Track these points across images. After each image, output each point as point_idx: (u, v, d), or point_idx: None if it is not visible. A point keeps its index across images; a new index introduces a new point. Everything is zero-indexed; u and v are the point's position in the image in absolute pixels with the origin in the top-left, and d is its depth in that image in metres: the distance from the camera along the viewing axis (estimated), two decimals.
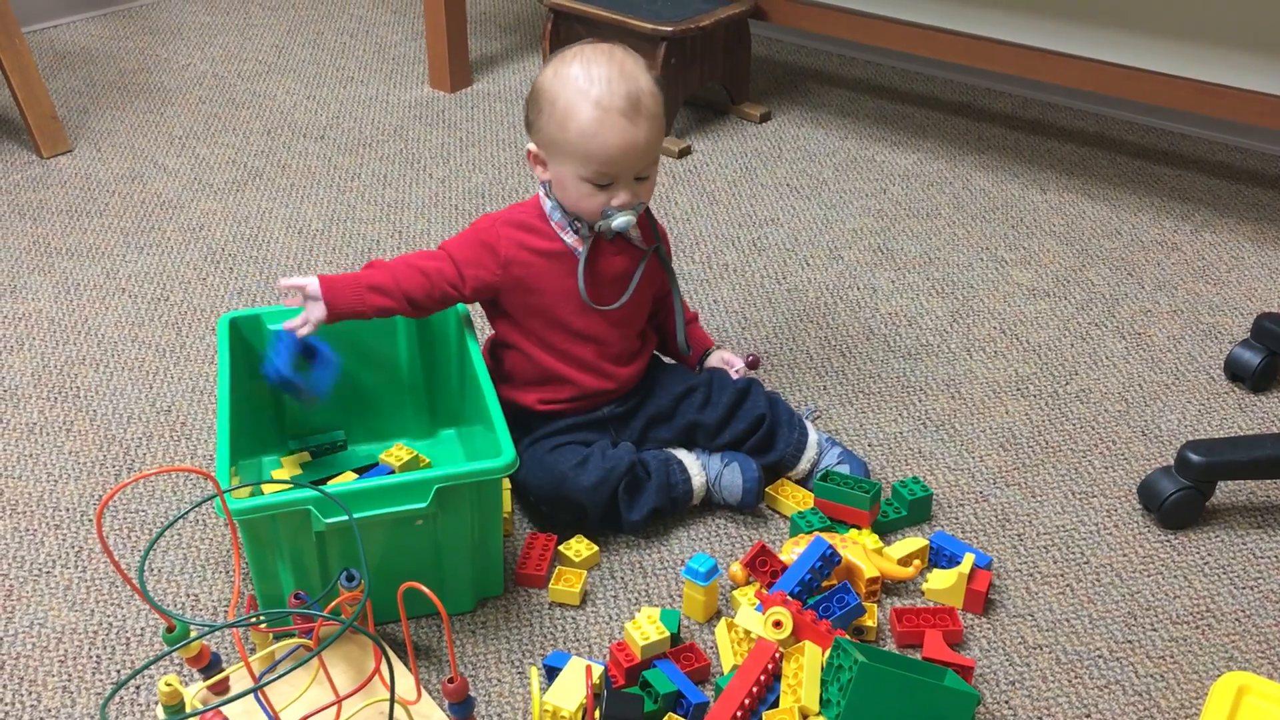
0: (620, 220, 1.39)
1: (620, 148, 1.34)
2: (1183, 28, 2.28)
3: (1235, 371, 1.74)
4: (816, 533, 1.40)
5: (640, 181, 1.39)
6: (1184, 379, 1.77)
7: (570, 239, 1.42)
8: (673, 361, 1.61)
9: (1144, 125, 2.51)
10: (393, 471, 1.49)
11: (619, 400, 1.50)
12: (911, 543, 1.42)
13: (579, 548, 1.43)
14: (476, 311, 1.90)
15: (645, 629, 1.28)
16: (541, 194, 1.45)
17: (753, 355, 1.54)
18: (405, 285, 1.39)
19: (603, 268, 1.45)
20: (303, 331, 1.38)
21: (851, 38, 2.46)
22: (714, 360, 1.57)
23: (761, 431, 1.49)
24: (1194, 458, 1.46)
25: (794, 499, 1.50)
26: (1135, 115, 2.53)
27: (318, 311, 1.37)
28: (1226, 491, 1.55)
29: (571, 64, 1.36)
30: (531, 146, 1.42)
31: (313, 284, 1.37)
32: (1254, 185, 2.29)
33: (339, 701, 1.12)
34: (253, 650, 1.29)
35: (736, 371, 1.54)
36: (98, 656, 1.31)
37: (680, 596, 1.39)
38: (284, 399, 1.53)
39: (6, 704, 1.26)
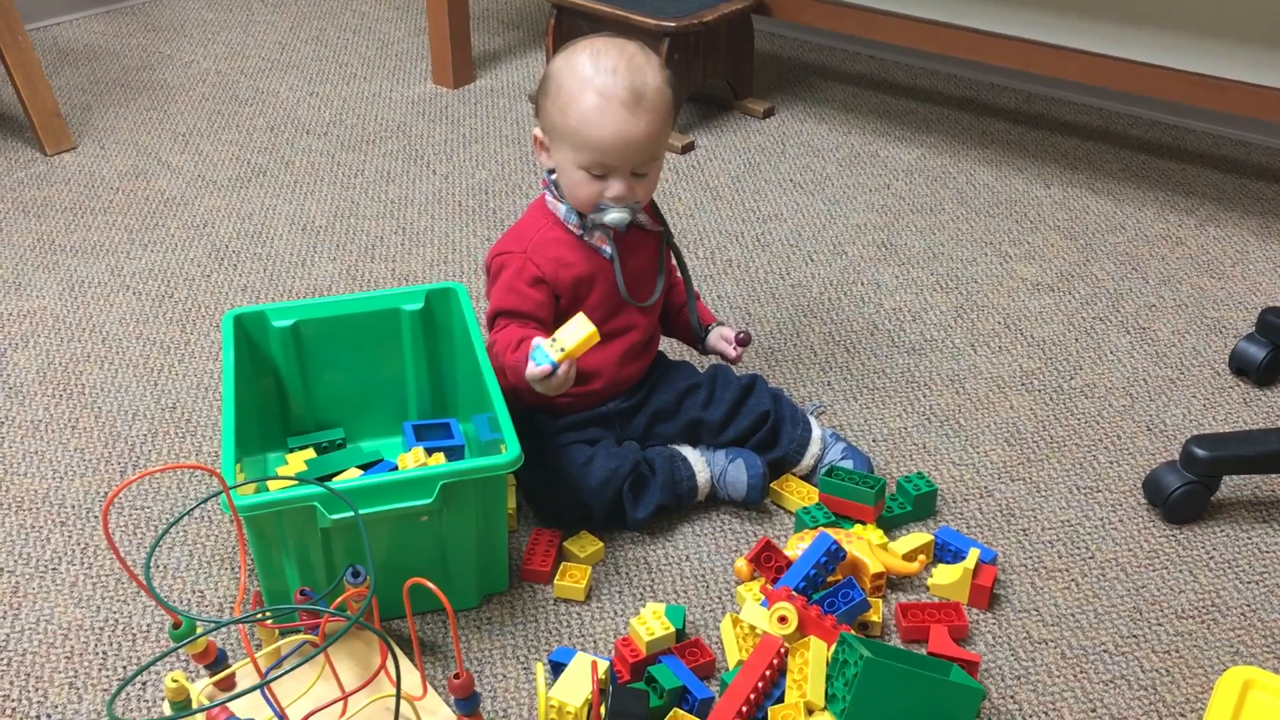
0: (612, 216, 1.38)
1: (617, 138, 1.34)
2: (1187, 22, 2.28)
3: (1240, 366, 1.74)
4: (821, 528, 1.40)
5: (638, 178, 1.38)
6: (1189, 373, 1.76)
7: (596, 240, 1.42)
8: (677, 359, 1.61)
9: (1148, 120, 2.51)
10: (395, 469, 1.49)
11: (624, 395, 1.50)
12: (916, 538, 1.42)
13: (584, 544, 1.43)
14: (480, 306, 1.90)
15: (650, 624, 1.28)
16: (549, 198, 1.44)
17: (743, 332, 1.53)
18: (516, 335, 1.38)
19: (631, 262, 1.45)
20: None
21: (855, 33, 2.46)
22: (713, 338, 1.55)
23: (765, 428, 1.49)
24: (1199, 452, 1.46)
25: (799, 495, 1.50)
26: (1139, 110, 2.52)
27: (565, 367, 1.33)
28: (1232, 486, 1.55)
29: (582, 52, 1.36)
30: (537, 131, 1.42)
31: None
32: (1259, 180, 2.28)
33: (345, 697, 1.13)
34: (259, 646, 1.29)
35: (733, 346, 1.53)
36: (104, 653, 1.32)
37: (685, 594, 1.39)
38: (288, 396, 1.53)
39: (13, 700, 1.26)
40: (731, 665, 1.27)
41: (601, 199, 1.38)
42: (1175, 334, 1.85)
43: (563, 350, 1.31)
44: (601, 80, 1.33)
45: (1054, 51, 2.23)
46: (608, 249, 1.42)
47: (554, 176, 1.43)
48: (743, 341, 1.52)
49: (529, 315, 1.41)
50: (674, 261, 1.51)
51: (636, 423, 1.51)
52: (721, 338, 1.54)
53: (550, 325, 1.41)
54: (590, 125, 1.34)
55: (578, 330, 1.31)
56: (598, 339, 1.32)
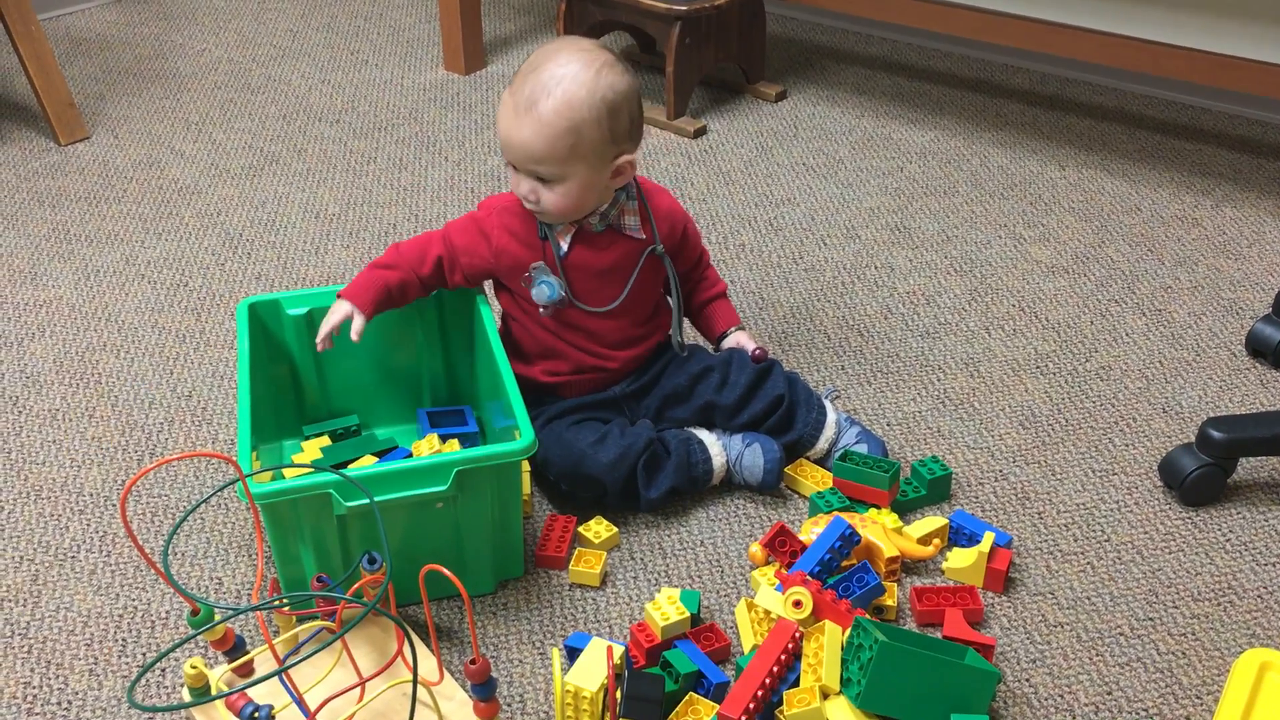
0: (541, 290, 1.42)
1: (503, 134, 1.39)
2: (1203, 0, 2.26)
3: (1256, 347, 1.73)
4: (836, 513, 1.40)
5: (545, 184, 1.38)
6: (1205, 355, 1.76)
7: (553, 232, 1.44)
8: (690, 342, 1.61)
9: (1164, 100, 2.49)
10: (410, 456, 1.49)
11: (629, 379, 1.51)
12: (931, 522, 1.42)
13: (598, 529, 1.43)
14: (493, 294, 1.90)
15: (665, 609, 1.28)
16: None
17: (760, 348, 1.54)
18: (410, 259, 1.45)
19: (590, 262, 1.45)
20: (355, 337, 1.43)
21: (867, 15, 2.44)
22: (730, 341, 1.57)
23: (780, 412, 1.49)
24: (1216, 434, 1.45)
25: (813, 479, 1.50)
26: (1155, 90, 2.50)
27: (357, 319, 1.42)
28: (1248, 468, 1.54)
29: (541, 49, 1.40)
30: None
31: (338, 306, 1.43)
32: (1275, 159, 2.27)
33: (362, 683, 1.13)
34: (276, 633, 1.30)
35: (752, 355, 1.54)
36: (123, 640, 1.33)
37: (700, 579, 1.39)
38: (303, 384, 1.54)
39: (34, 687, 1.27)
40: (746, 650, 1.28)
41: (522, 194, 1.41)
42: (1191, 315, 1.84)
43: None
44: (518, 78, 1.38)
45: (1068, 32, 2.21)
46: (563, 243, 1.44)
47: None
48: (758, 359, 1.53)
49: (451, 263, 1.45)
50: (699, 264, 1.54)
51: (647, 404, 1.51)
52: (737, 344, 1.57)
53: (418, 282, 1.45)
54: (497, 116, 1.40)
55: None
56: None
